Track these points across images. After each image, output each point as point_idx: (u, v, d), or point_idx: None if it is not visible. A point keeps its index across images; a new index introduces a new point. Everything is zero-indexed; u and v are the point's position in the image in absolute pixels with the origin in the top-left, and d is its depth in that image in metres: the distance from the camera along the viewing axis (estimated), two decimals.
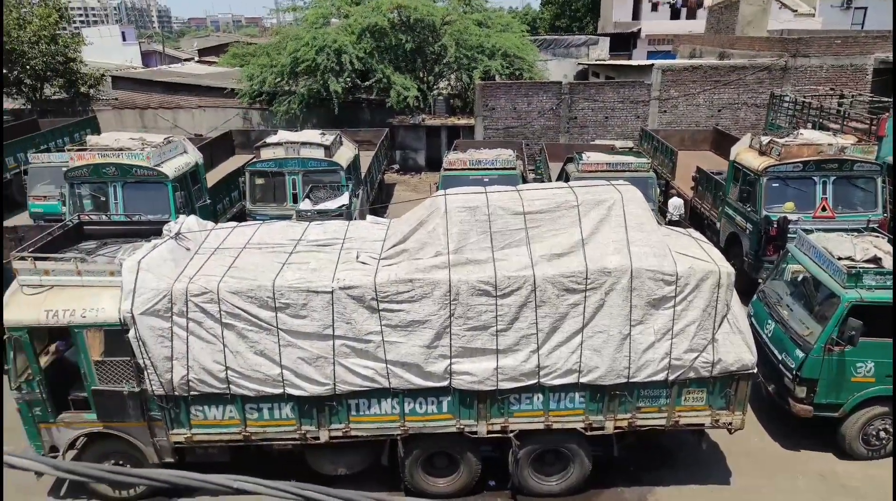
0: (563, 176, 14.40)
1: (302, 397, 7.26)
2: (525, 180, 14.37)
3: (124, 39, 54.02)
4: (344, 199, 12.18)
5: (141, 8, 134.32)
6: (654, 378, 7.29)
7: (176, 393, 7.20)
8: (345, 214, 11.45)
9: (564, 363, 7.21)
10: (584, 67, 34.07)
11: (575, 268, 7.04)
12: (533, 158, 20.35)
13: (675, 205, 15.41)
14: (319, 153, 13.71)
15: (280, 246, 7.87)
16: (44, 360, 7.57)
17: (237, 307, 6.95)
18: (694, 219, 15.76)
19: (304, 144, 13.82)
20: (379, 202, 19.36)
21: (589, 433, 7.62)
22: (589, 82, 27.43)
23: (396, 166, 25.18)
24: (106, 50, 43.24)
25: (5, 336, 7.08)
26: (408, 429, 7.52)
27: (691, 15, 43.39)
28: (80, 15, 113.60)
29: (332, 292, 6.98)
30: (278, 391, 7.21)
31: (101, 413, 7.43)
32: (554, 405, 7.47)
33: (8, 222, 15.20)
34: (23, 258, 7.19)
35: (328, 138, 14.37)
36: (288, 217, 11.44)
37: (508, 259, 7.20)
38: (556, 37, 40.43)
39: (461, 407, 7.44)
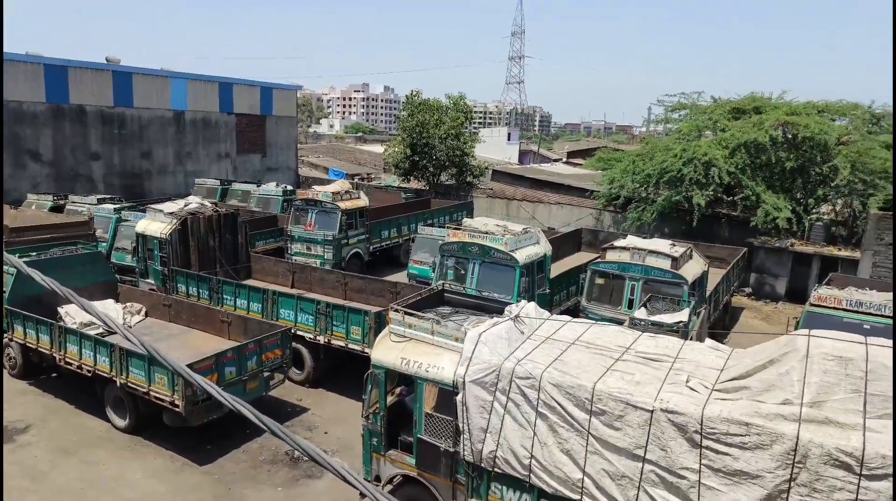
0: None
1: None
2: None
3: (509, 139, 62.54)
4: (683, 315, 11.47)
5: (528, 114, 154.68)
6: None
7: (482, 465, 7.56)
8: (681, 331, 10.75)
9: None
10: None
11: None
12: None
13: None
14: (665, 264, 13.33)
15: (607, 350, 7.77)
16: (389, 399, 8.83)
17: (554, 400, 7.05)
18: None
19: (651, 252, 13.63)
20: (721, 326, 17.71)
21: None
22: None
23: (749, 290, 22.84)
24: (492, 147, 50.87)
25: (368, 372, 8.53)
26: None
27: None
28: (480, 117, 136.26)
29: (651, 412, 6.54)
30: (576, 497, 6.96)
31: (420, 460, 8.27)
32: None
33: (391, 277, 18.65)
34: (396, 310, 8.64)
35: (677, 250, 13.89)
36: (620, 322, 11.28)
37: (888, 433, 5.72)
38: None
39: None
